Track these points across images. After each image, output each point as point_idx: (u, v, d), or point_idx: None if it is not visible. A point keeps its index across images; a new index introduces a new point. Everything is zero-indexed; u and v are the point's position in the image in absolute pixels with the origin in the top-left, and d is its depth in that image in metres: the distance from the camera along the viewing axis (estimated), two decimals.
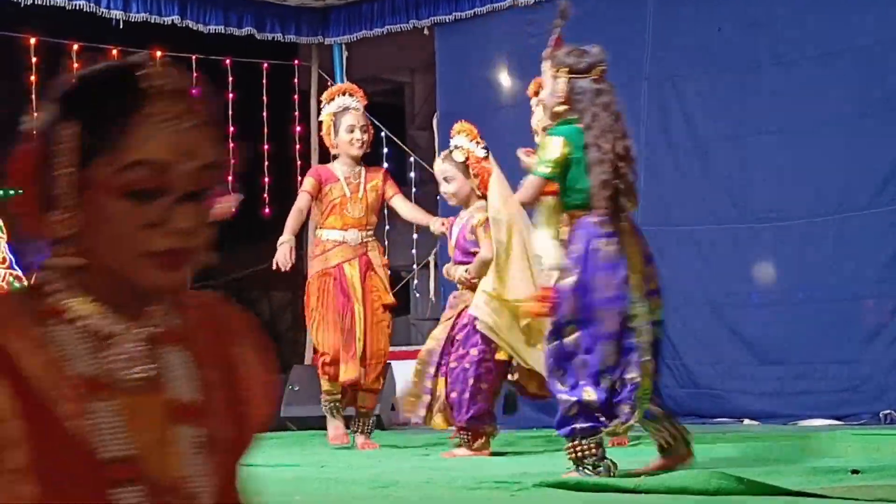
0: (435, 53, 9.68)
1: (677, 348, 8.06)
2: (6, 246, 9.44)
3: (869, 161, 7.55)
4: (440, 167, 5.95)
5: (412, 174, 10.79)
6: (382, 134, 10.62)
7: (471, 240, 5.89)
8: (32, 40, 9.08)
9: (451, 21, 9.38)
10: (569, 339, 4.36)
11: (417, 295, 11.00)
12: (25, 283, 9.25)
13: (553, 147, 4.50)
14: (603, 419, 4.24)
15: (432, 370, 5.89)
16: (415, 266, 10.57)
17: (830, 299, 7.66)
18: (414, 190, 10.64)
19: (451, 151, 5.91)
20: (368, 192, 6.58)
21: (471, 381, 5.78)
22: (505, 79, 9.35)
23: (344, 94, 6.72)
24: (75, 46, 9.23)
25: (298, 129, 10.17)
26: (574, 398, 4.26)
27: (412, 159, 10.85)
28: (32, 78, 9.07)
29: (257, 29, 9.59)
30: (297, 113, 10.22)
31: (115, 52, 9.38)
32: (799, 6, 7.91)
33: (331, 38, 10.05)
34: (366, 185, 6.59)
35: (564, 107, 4.56)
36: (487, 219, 5.79)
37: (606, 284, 4.37)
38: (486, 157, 5.91)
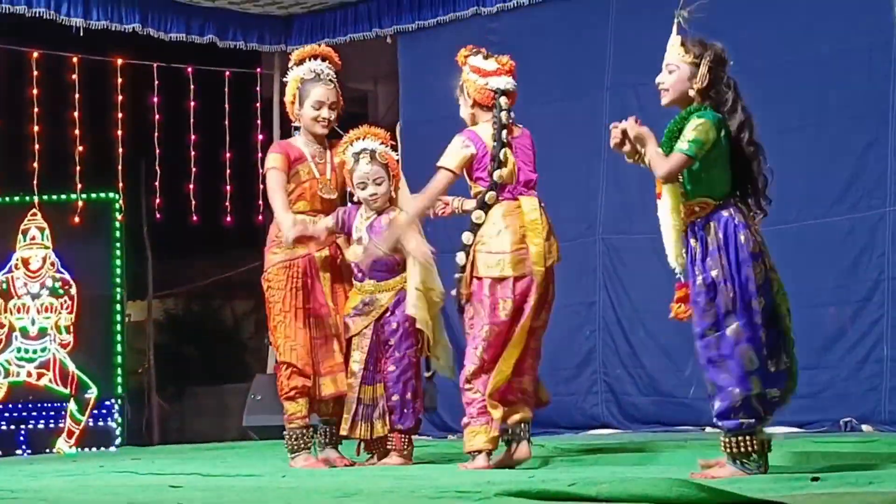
0: (398, 62, 9.68)
1: (639, 356, 8.09)
2: (53, 252, 9.44)
3: (828, 169, 7.60)
4: (370, 169, 5.61)
5: None
6: None
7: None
8: None
9: (413, 30, 9.39)
10: (730, 330, 4.39)
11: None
12: (71, 285, 9.30)
13: (699, 128, 4.45)
14: (762, 413, 4.29)
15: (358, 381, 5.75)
16: None
17: (791, 306, 7.69)
18: None
19: (373, 153, 5.71)
20: (338, 173, 5.81)
21: (413, 383, 5.75)
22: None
23: (316, 57, 5.87)
24: (35, 54, 9.18)
25: (261, 137, 10.14)
26: (740, 390, 4.28)
27: None
28: None
29: (219, 37, 9.56)
30: (259, 121, 10.20)
31: (75, 59, 9.36)
32: (760, 16, 7.95)
33: (293, 46, 9.99)
34: (334, 165, 5.81)
35: (692, 94, 4.59)
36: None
37: (757, 274, 4.44)
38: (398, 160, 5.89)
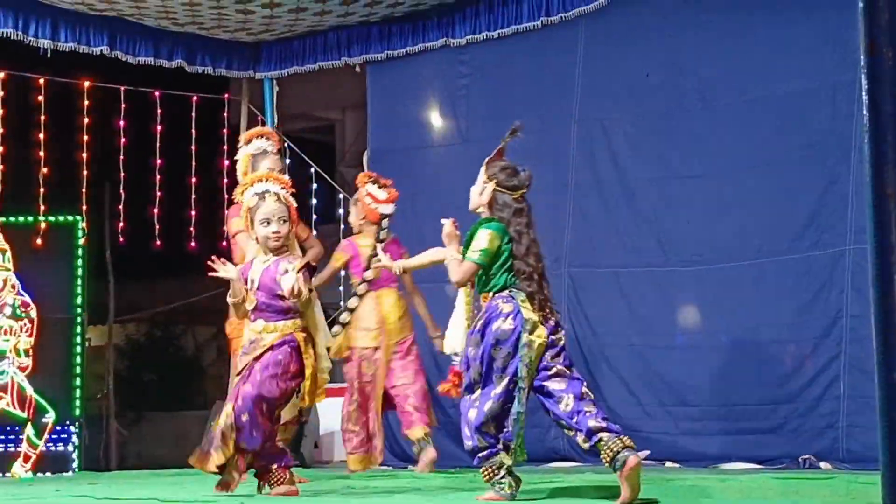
0: (366, 91, 9.69)
1: (601, 389, 8.10)
2: (14, 274, 9.37)
3: (789, 206, 7.66)
4: (276, 207, 5.67)
5: (341, 210, 10.77)
6: (312, 170, 10.60)
7: (279, 281, 5.77)
8: None
9: (383, 59, 9.41)
10: (474, 396, 5.19)
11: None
12: (32, 307, 9.22)
13: (486, 239, 5.22)
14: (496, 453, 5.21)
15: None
16: (342, 304, 10.51)
17: (750, 342, 7.74)
18: (343, 227, 10.62)
19: (278, 194, 5.77)
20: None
21: (264, 406, 5.61)
22: (435, 118, 9.40)
23: (261, 137, 6.91)
24: (1, 74, 9.13)
25: (227, 163, 10.12)
26: (471, 442, 5.17)
27: (341, 196, 10.83)
28: None
29: (187, 61, 9.54)
30: (226, 147, 10.17)
31: (41, 80, 9.32)
32: (724, 53, 8.03)
33: (262, 73, 10.02)
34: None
35: (483, 209, 5.32)
36: (301, 271, 5.72)
37: (501, 357, 5.13)
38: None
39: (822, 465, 7.27)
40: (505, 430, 5.17)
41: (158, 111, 9.78)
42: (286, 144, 10.30)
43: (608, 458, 4.98)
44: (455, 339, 5.38)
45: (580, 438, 5.09)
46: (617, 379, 8.19)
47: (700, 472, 7.11)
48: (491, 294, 5.27)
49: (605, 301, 8.34)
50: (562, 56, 8.65)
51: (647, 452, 5.46)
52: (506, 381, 5.15)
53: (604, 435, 5.01)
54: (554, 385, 5.20)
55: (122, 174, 9.55)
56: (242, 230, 6.19)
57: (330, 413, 10.28)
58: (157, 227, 9.57)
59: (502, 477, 5.20)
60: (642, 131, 8.30)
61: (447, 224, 5.40)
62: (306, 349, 5.72)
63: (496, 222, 5.27)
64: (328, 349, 5.94)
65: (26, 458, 9.48)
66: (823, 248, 7.50)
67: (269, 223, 5.67)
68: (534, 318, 5.21)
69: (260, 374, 5.68)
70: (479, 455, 5.23)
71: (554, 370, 5.23)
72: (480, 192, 5.33)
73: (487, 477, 5.24)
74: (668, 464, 7.77)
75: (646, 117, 8.29)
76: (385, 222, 7.61)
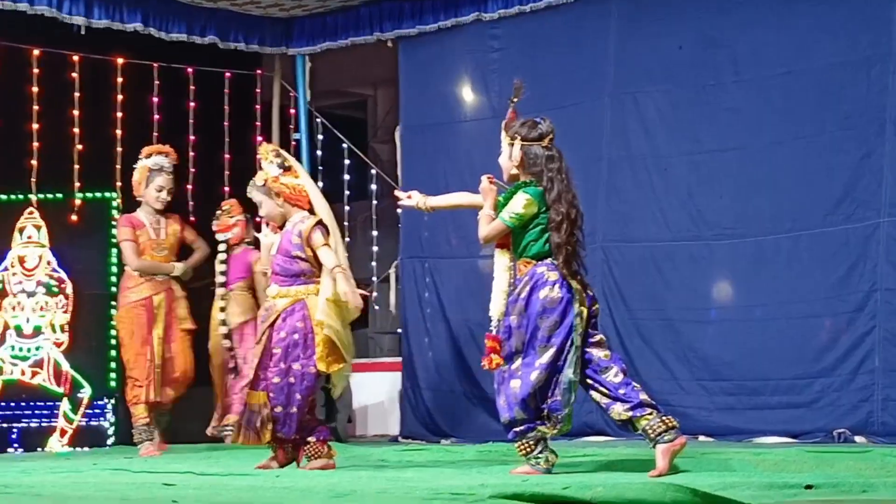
0: (398, 67, 9.68)
1: (634, 363, 8.09)
2: (49, 251, 9.48)
3: (823, 180, 7.62)
4: (250, 194, 6.09)
5: (374, 186, 10.79)
6: (344, 146, 10.62)
7: (296, 243, 5.85)
8: None
9: (414, 35, 9.39)
10: (514, 366, 5.19)
11: (377, 308, 10.99)
12: (67, 284, 9.34)
13: (522, 202, 5.21)
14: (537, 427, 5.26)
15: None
16: (374, 279, 10.56)
17: (784, 317, 7.71)
18: (375, 203, 10.64)
19: (255, 177, 6.05)
20: (169, 237, 7.86)
21: (297, 396, 5.75)
22: (467, 93, 9.38)
23: (160, 154, 7.85)
24: (36, 52, 9.18)
25: (260, 139, 10.15)
26: (508, 415, 5.20)
27: (373, 172, 10.84)
28: None
29: (220, 38, 9.55)
30: (258, 123, 10.19)
31: (76, 58, 9.36)
32: (758, 27, 7.97)
33: (294, 49, 10.03)
34: (167, 231, 7.86)
35: (517, 171, 5.32)
36: (314, 227, 5.81)
37: (548, 325, 5.13)
38: (284, 172, 5.94)
39: (857, 438, 7.25)
40: (550, 399, 5.16)
41: (191, 87, 9.80)
42: (319, 121, 10.32)
43: (654, 433, 5.00)
44: (496, 305, 5.30)
45: (622, 408, 5.10)
46: (651, 353, 8.18)
47: (734, 446, 7.10)
48: (533, 261, 5.23)
49: (639, 276, 8.32)
50: (594, 30, 8.61)
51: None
52: (552, 351, 5.13)
53: (653, 411, 5.04)
54: (597, 353, 5.20)
55: None
56: (127, 238, 7.73)
57: (365, 386, 10.33)
58: (191, 203, 9.60)
59: (540, 451, 5.21)
60: (676, 105, 8.26)
61: (484, 179, 5.39)
62: (316, 313, 5.76)
63: (534, 187, 5.23)
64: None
65: (63, 433, 9.57)
66: (857, 221, 7.46)
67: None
68: (579, 288, 5.20)
69: (284, 362, 5.73)
70: (517, 429, 5.22)
71: (596, 338, 5.24)
72: (510, 156, 5.32)
73: (524, 451, 5.24)
74: (702, 438, 7.77)
75: (679, 91, 8.24)
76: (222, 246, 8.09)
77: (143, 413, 7.75)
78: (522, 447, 5.23)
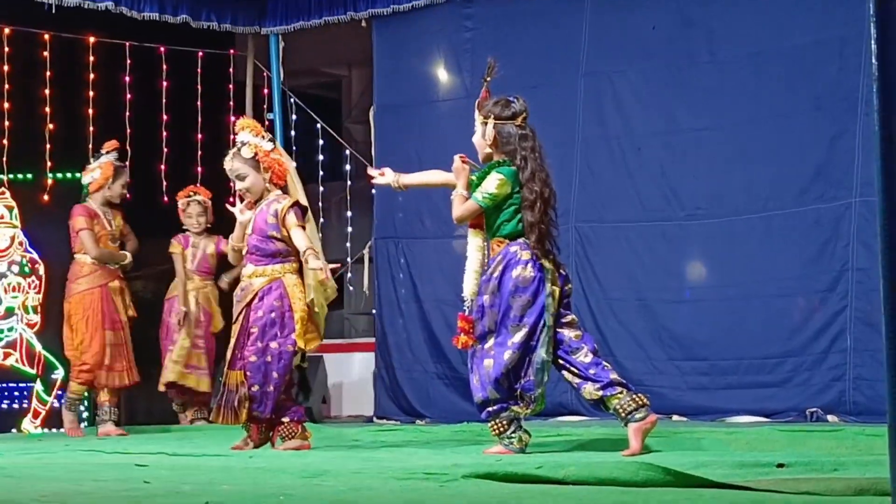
0: (372, 46, 9.65)
1: (609, 343, 8.11)
2: (21, 231, 9.43)
3: (796, 159, 7.64)
4: (231, 166, 5.94)
5: (348, 167, 10.76)
6: (318, 126, 10.59)
7: (271, 223, 5.83)
8: None
9: (388, 14, 9.35)
10: (487, 346, 5.18)
11: (351, 289, 10.97)
12: (39, 264, 9.35)
13: (495, 183, 5.20)
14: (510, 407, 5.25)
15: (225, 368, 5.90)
16: (348, 260, 10.54)
17: (757, 296, 7.74)
18: (349, 183, 10.61)
19: (238, 149, 5.92)
20: (116, 228, 8.13)
21: (274, 375, 5.74)
22: (441, 72, 9.36)
23: (115, 149, 8.14)
24: (7, 30, 9.10)
25: (233, 118, 10.09)
26: (482, 394, 5.20)
27: (348, 152, 10.81)
28: None
29: (192, 17, 9.48)
30: (231, 103, 10.14)
31: (47, 36, 9.29)
32: (732, 6, 7.98)
33: (267, 28, 9.97)
34: (114, 222, 8.13)
35: (490, 150, 5.30)
36: (290, 208, 5.80)
37: (520, 304, 5.13)
38: (274, 149, 5.93)
39: (829, 417, 7.30)
40: (524, 379, 5.16)
41: (164, 67, 9.74)
42: (292, 100, 10.27)
43: (625, 412, 5.02)
44: (469, 285, 5.31)
45: (593, 388, 5.11)
46: (625, 333, 8.20)
47: (707, 425, 7.14)
48: (506, 241, 5.24)
49: (613, 256, 8.34)
50: (568, 9, 8.59)
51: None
52: (524, 330, 5.13)
53: (623, 389, 5.06)
54: (569, 333, 5.20)
55: (129, 130, 9.53)
56: (86, 227, 7.91)
57: (339, 367, 10.33)
58: (164, 183, 9.56)
59: (513, 431, 5.21)
60: (650, 84, 8.27)
61: (456, 159, 5.38)
62: (294, 292, 5.77)
63: (508, 167, 5.23)
64: None
65: (36, 415, 9.52)
66: (830, 200, 7.49)
67: (234, 183, 6.13)
68: (551, 268, 5.21)
69: (261, 341, 5.72)
70: (490, 409, 5.22)
71: (568, 318, 5.24)
72: (483, 135, 5.31)
73: (497, 431, 5.24)
74: (676, 417, 7.80)
75: (653, 70, 8.25)
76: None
77: (80, 394, 8.12)
78: (495, 427, 5.24)
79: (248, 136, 5.93)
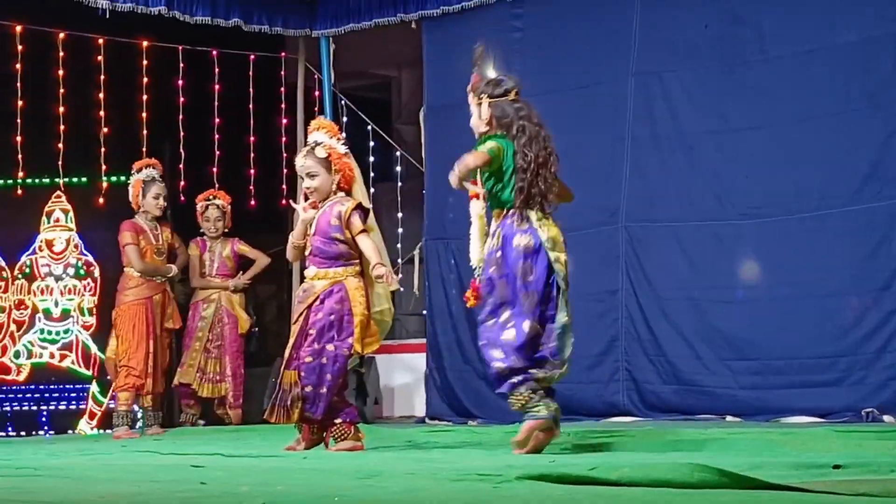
0: (422, 48, 9.67)
1: (661, 344, 8.08)
2: (76, 234, 9.58)
3: (850, 158, 7.58)
4: (303, 162, 5.90)
5: (398, 168, 10.79)
6: (369, 128, 10.62)
7: (335, 225, 5.84)
8: (18, 28, 9.06)
9: (438, 15, 9.38)
10: (503, 318, 5.21)
11: (401, 290, 10.99)
12: (95, 267, 9.54)
13: (492, 143, 5.29)
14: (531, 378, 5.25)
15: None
16: (399, 261, 10.57)
17: (810, 295, 7.68)
18: (400, 184, 10.64)
19: (312, 147, 5.89)
20: (164, 242, 8.44)
21: (328, 377, 5.75)
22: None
23: (149, 166, 8.43)
24: (61, 35, 9.21)
25: (285, 121, 10.16)
26: (505, 364, 5.18)
27: (398, 153, 10.84)
28: (18, 66, 9.05)
29: (244, 20, 9.56)
30: (283, 105, 10.20)
31: (101, 41, 9.39)
32: (783, 4, 7.93)
33: (318, 31, 10.03)
34: (162, 237, 8.44)
35: (487, 128, 5.38)
36: (353, 210, 5.80)
37: (525, 272, 5.18)
38: (347, 154, 5.94)
39: (886, 418, 7.23)
40: (545, 347, 5.23)
41: (216, 70, 9.82)
42: (343, 102, 10.32)
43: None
44: (475, 252, 5.39)
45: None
46: (676, 334, 8.16)
47: (762, 426, 7.09)
48: (504, 211, 5.29)
49: (664, 255, 8.30)
50: (618, 8, 8.57)
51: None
52: (535, 297, 5.19)
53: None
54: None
55: (182, 133, 9.61)
56: (130, 242, 8.25)
57: (391, 368, 10.36)
58: (217, 185, 9.64)
59: (538, 400, 5.21)
60: (701, 84, 8.22)
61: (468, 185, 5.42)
62: (355, 295, 5.76)
63: (501, 137, 5.31)
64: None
65: (92, 416, 9.64)
66: (884, 199, 7.42)
67: (303, 179, 5.98)
68: (552, 235, 5.25)
69: (318, 342, 5.73)
70: (512, 381, 5.21)
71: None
72: (479, 115, 5.39)
73: (521, 403, 5.24)
74: (729, 418, 7.76)
75: (704, 69, 8.20)
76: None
77: (128, 400, 8.25)
78: (518, 400, 5.22)
79: (323, 136, 5.91)
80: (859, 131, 7.56)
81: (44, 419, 9.55)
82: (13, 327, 9.73)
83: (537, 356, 5.18)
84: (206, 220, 9.08)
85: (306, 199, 6.05)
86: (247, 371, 9.27)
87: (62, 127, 9.20)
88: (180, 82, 9.64)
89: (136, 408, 8.64)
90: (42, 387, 9.67)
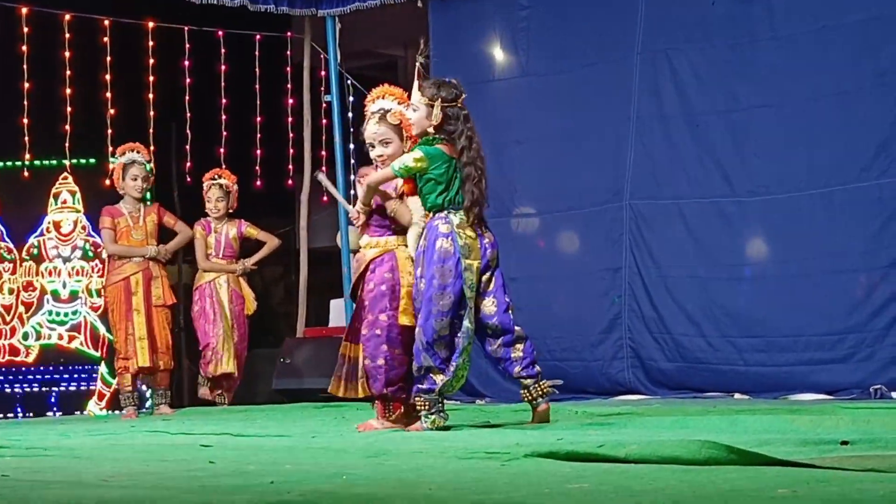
0: (428, 27, 9.64)
1: (666, 322, 8.08)
2: (84, 216, 9.60)
3: (859, 136, 7.56)
4: (376, 130, 5.63)
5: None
6: None
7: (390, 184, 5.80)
8: (24, 10, 9.06)
9: None
10: (421, 316, 5.41)
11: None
12: (102, 248, 9.60)
13: (413, 157, 5.41)
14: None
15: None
16: None
17: (818, 272, 7.67)
18: None
19: (384, 114, 5.71)
20: (147, 223, 8.39)
21: (384, 348, 5.62)
22: (498, 53, 9.34)
23: (132, 150, 8.39)
24: (67, 17, 9.20)
25: (291, 101, 10.16)
26: (415, 362, 5.41)
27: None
28: (24, 48, 9.05)
29: (250, 0, 9.55)
30: (289, 85, 10.19)
31: (106, 22, 9.38)
32: None
33: (324, 11, 10.00)
34: (145, 218, 8.40)
35: (431, 129, 5.48)
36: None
37: (441, 276, 5.35)
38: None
39: (894, 394, 7.23)
40: (454, 347, 5.40)
41: (222, 51, 9.81)
42: (349, 82, 10.30)
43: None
44: (411, 245, 5.60)
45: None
46: (681, 311, 8.16)
47: (769, 402, 7.09)
48: (432, 214, 5.45)
49: (669, 233, 8.29)
50: None
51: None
52: (450, 299, 5.35)
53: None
54: (487, 309, 5.47)
55: (188, 114, 9.61)
56: (106, 227, 8.29)
57: None
58: (224, 166, 9.64)
59: (435, 410, 5.44)
60: (708, 62, 8.19)
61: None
62: (405, 265, 5.65)
63: (435, 147, 5.42)
64: None
65: (101, 396, 9.67)
66: (892, 176, 7.40)
67: (373, 147, 5.71)
68: (468, 243, 5.40)
69: (372, 314, 5.63)
70: (419, 385, 5.40)
71: (490, 287, 5.48)
72: (427, 115, 5.48)
73: (426, 406, 5.40)
74: (737, 395, 7.76)
75: (712, 47, 8.17)
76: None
77: (126, 382, 8.27)
78: (423, 402, 5.41)
79: (391, 103, 5.74)
80: (869, 109, 7.53)
81: (53, 400, 9.58)
82: (21, 309, 9.75)
83: (448, 357, 5.38)
84: (208, 199, 8.93)
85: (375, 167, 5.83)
86: (251, 352, 9.26)
87: (69, 108, 9.21)
88: (186, 63, 9.64)
89: (143, 387, 8.63)
90: (51, 368, 9.70)
